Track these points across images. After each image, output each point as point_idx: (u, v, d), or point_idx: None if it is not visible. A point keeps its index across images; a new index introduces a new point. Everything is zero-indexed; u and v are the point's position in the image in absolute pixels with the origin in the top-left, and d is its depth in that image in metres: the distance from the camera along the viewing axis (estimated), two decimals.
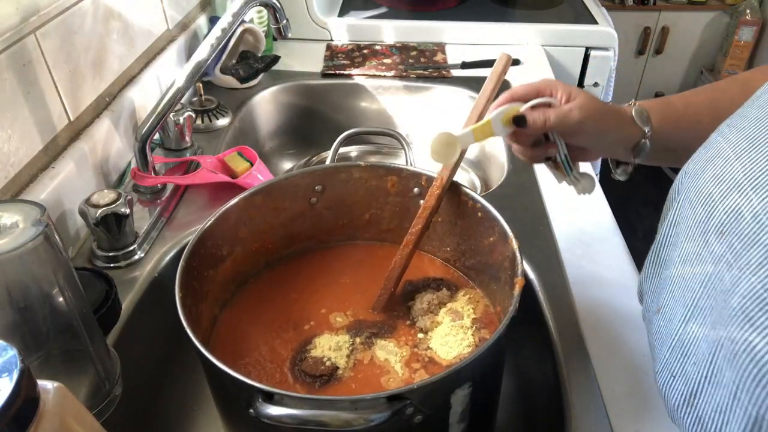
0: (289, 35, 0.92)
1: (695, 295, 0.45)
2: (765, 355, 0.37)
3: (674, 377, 0.47)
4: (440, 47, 1.34)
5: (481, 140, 0.60)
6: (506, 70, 0.63)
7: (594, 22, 1.40)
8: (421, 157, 1.17)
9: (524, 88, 0.60)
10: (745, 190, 0.43)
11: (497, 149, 1.08)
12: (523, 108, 0.58)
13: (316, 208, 0.71)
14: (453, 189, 0.64)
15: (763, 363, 0.37)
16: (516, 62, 1.27)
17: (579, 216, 0.83)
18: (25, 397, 0.32)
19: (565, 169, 0.62)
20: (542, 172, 0.92)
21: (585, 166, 0.67)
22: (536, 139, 0.61)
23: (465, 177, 1.13)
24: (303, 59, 1.28)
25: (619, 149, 0.62)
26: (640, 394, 0.60)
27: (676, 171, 0.55)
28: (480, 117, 0.61)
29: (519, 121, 0.58)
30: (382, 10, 1.47)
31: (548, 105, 0.59)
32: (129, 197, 0.72)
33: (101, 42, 0.84)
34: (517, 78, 1.20)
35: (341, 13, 1.44)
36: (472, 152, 1.16)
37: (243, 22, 1.08)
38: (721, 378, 0.41)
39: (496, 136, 0.59)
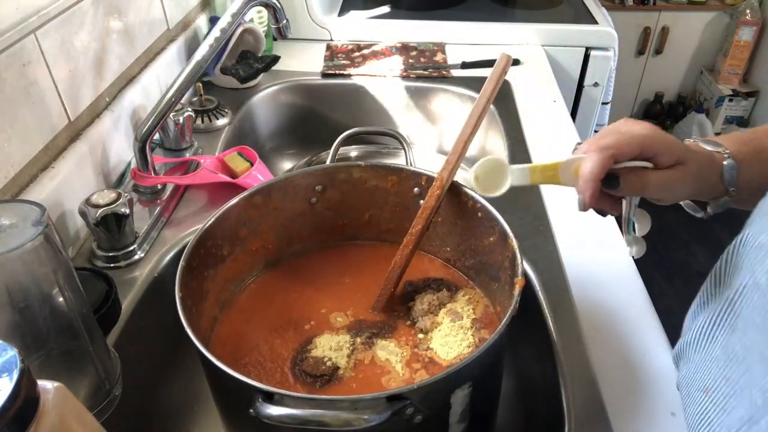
0: (289, 35, 0.92)
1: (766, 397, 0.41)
2: None
3: None
4: (440, 47, 1.34)
5: (538, 183, 0.55)
6: (506, 71, 0.63)
7: (594, 22, 1.40)
8: (421, 157, 1.17)
9: (626, 142, 0.50)
10: None
11: (497, 148, 1.08)
12: (619, 166, 0.51)
13: (316, 208, 0.71)
14: (453, 189, 0.64)
15: None
16: (516, 62, 1.27)
17: (579, 216, 0.83)
18: (25, 397, 0.32)
19: (627, 229, 0.56)
20: None
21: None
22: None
23: (465, 177, 1.13)
24: (303, 59, 1.28)
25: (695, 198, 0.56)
26: (640, 394, 0.60)
27: None
28: (479, 118, 0.61)
29: (611, 182, 0.51)
30: (382, 10, 1.47)
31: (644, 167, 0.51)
32: (129, 197, 0.72)
33: (101, 42, 0.84)
34: (518, 78, 1.20)
35: (341, 13, 1.44)
36: (471, 152, 1.16)
37: (243, 22, 1.08)
38: None
39: (559, 184, 0.53)
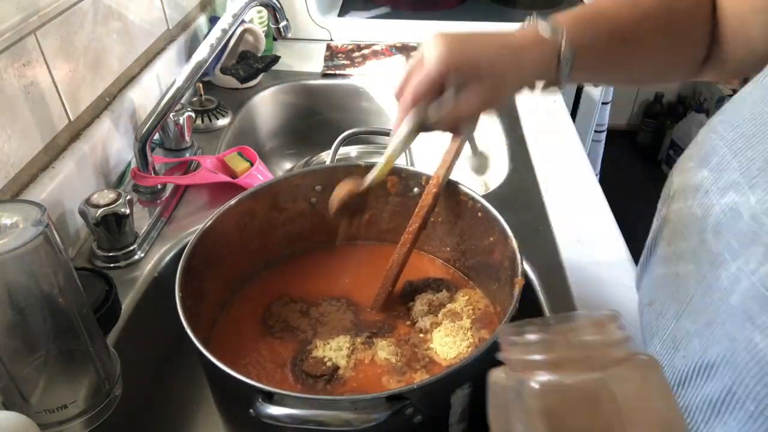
0: (289, 35, 0.92)
1: (690, 292, 0.45)
2: (767, 355, 0.37)
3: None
4: None
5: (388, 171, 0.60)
6: None
7: None
8: (420, 158, 1.17)
9: (424, 88, 0.54)
10: (743, 188, 0.43)
11: (498, 149, 1.08)
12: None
13: (316, 208, 0.71)
14: (452, 189, 0.64)
15: (765, 362, 0.37)
16: None
17: (579, 216, 0.83)
18: None
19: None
20: (542, 172, 0.92)
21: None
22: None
23: (465, 177, 1.13)
24: (303, 59, 1.28)
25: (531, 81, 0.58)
26: None
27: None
28: None
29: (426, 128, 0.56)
30: (382, 10, 1.47)
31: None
32: (129, 197, 0.72)
33: (101, 42, 0.84)
34: None
35: (341, 13, 1.44)
36: (467, 150, 1.15)
37: (243, 22, 1.08)
38: (714, 373, 0.41)
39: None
